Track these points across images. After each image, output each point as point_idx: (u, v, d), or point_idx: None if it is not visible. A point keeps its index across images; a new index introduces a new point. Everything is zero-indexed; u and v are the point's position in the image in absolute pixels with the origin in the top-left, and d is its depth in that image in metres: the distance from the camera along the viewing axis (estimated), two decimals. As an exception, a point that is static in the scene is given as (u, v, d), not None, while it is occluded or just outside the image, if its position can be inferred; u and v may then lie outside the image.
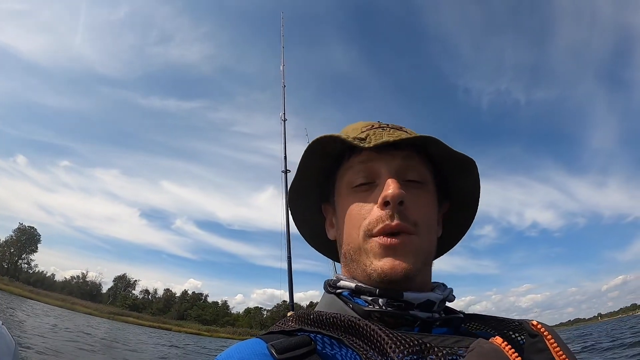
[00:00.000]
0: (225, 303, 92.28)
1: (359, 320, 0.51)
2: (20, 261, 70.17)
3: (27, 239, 71.46)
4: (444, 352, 0.46)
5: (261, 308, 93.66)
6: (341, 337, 0.51)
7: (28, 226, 73.39)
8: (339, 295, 0.63)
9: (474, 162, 0.67)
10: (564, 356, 0.46)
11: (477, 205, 0.74)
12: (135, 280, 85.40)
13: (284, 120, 4.79)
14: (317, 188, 0.74)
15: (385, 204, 0.58)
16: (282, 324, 0.59)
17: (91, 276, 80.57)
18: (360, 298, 0.60)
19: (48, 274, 77.14)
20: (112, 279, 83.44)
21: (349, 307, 0.60)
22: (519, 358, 0.45)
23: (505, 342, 0.47)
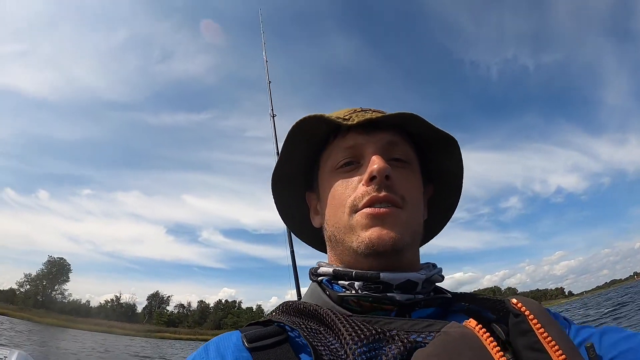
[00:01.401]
0: (259, 307, 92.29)
1: (321, 309, 0.51)
2: (53, 292, 70.99)
3: (57, 270, 72.21)
4: (406, 340, 0.44)
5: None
6: (303, 326, 0.50)
7: (57, 257, 74.24)
8: (320, 282, 0.62)
9: (456, 140, 0.65)
10: (549, 338, 0.42)
11: (461, 187, 0.72)
12: (169, 296, 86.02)
13: (273, 117, 4.52)
14: (300, 176, 0.72)
15: (372, 178, 0.57)
16: (267, 316, 0.58)
17: (125, 298, 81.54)
18: (338, 284, 0.59)
19: (83, 301, 78.19)
20: (146, 297, 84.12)
21: (326, 294, 0.58)
22: (493, 343, 0.42)
23: (480, 325, 0.44)
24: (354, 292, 0.55)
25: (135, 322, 72.54)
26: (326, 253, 0.69)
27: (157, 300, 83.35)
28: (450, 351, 0.41)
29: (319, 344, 0.46)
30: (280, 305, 0.60)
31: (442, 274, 0.63)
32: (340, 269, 0.58)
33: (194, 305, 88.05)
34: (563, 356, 0.40)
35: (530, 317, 0.45)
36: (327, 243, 0.66)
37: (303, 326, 0.50)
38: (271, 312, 0.60)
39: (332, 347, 0.46)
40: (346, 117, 0.62)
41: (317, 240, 0.77)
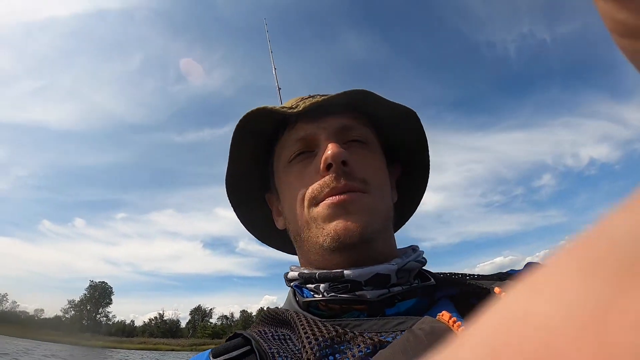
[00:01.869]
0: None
1: (287, 313, 0.49)
2: (98, 316, 71.69)
3: (100, 293, 72.91)
4: (373, 340, 0.40)
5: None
6: (270, 335, 0.48)
7: (98, 281, 74.91)
8: (293, 287, 0.57)
9: (415, 112, 0.61)
10: None
11: (428, 161, 0.67)
12: (211, 309, 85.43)
13: None
14: (255, 178, 0.67)
15: (328, 166, 0.53)
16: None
17: (168, 314, 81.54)
18: (307, 287, 0.54)
19: (127, 322, 78.93)
20: (189, 312, 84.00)
21: (296, 300, 0.55)
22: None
23: (454, 319, 0.40)
24: (319, 295, 0.51)
25: (180, 337, 72.31)
26: (295, 255, 0.65)
27: (199, 314, 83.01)
28: (411, 352, 0.37)
29: (280, 351, 0.43)
30: (258, 313, 0.55)
31: (424, 257, 0.57)
32: (305, 271, 0.54)
33: (237, 315, 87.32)
34: None
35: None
36: (294, 244, 0.61)
37: (268, 335, 0.47)
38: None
39: (297, 352, 0.43)
40: (293, 107, 0.57)
41: (285, 243, 0.71)
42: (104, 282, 75.44)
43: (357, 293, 0.49)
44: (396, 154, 0.66)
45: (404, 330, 0.43)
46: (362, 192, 0.53)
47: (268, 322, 0.52)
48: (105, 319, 72.83)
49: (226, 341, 0.50)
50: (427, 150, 0.66)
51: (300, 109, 0.55)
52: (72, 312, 70.14)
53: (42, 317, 72.27)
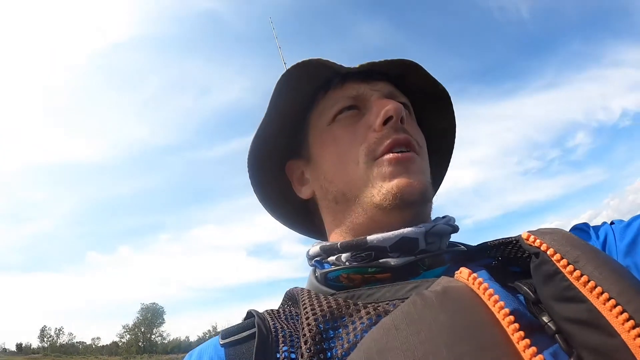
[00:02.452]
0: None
1: (295, 290, 0.47)
2: (153, 336, 71.94)
3: (152, 314, 73.16)
4: (377, 309, 0.37)
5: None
6: (278, 312, 0.46)
7: (149, 303, 75.18)
8: (314, 264, 0.54)
9: (449, 96, 0.61)
10: (584, 277, 0.29)
11: (453, 142, 0.66)
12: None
13: None
14: (282, 142, 0.61)
15: (387, 119, 0.50)
16: None
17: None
18: (327, 261, 0.51)
19: (182, 338, 78.93)
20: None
21: (315, 276, 0.51)
22: (490, 292, 0.30)
23: (475, 275, 0.33)
24: (340, 265, 0.48)
25: (236, 345, 71.24)
26: (303, 231, 0.64)
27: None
28: (417, 316, 0.30)
29: (291, 330, 0.41)
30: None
31: (456, 223, 0.53)
32: (326, 243, 0.51)
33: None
34: (612, 302, 0.26)
35: (550, 252, 0.32)
36: (326, 210, 0.57)
37: (281, 314, 0.45)
38: None
39: (298, 330, 0.41)
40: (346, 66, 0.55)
41: (297, 219, 0.68)
42: (154, 303, 75.50)
43: (380, 260, 0.46)
44: (424, 130, 0.60)
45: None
46: (418, 153, 0.51)
47: (285, 302, 0.51)
48: (160, 338, 73.02)
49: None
50: (454, 135, 0.65)
51: (357, 67, 0.53)
52: (128, 336, 70.61)
53: (99, 345, 73.48)
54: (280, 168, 0.63)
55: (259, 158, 0.60)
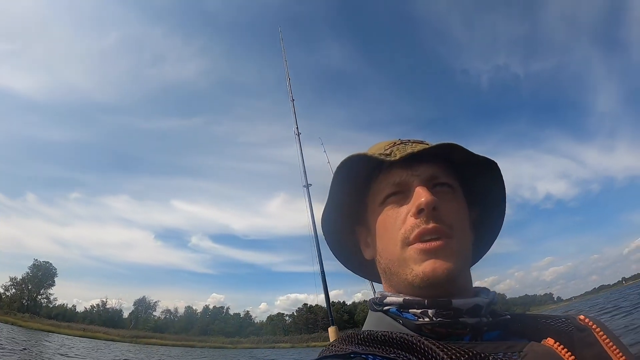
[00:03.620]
0: (247, 313, 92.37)
1: (411, 336, 0.51)
2: (39, 297, 70.72)
3: (43, 274, 71.93)
4: (499, 359, 0.46)
5: (283, 314, 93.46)
6: (394, 356, 0.50)
7: (43, 261, 73.76)
8: (386, 312, 0.62)
9: (495, 163, 0.67)
10: (614, 347, 0.47)
11: (505, 206, 0.73)
12: (156, 302, 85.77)
13: (298, 134, 4.61)
14: (348, 211, 0.74)
15: (420, 211, 0.59)
16: (331, 347, 0.58)
17: (111, 303, 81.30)
18: (409, 312, 0.59)
19: (69, 306, 78.08)
20: (133, 303, 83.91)
21: (399, 322, 0.59)
22: (572, 357, 0.45)
23: (557, 343, 0.48)
24: (427, 319, 0.56)
25: (121, 327, 71.88)
26: (370, 280, 0.73)
27: (143, 306, 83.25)
28: None
29: None
30: (344, 335, 0.59)
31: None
32: (410, 298, 0.59)
33: (181, 311, 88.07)
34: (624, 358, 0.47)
35: (596, 329, 0.50)
36: (381, 274, 0.69)
37: (397, 356, 0.50)
38: (334, 343, 0.59)
39: None
40: (387, 152, 0.64)
41: (365, 269, 0.79)
42: (48, 262, 74.45)
43: (460, 319, 0.55)
44: (475, 197, 0.71)
45: (515, 352, 0.49)
46: (448, 237, 0.59)
47: (371, 344, 0.54)
48: (46, 300, 71.96)
49: (333, 357, 0.53)
50: (505, 198, 0.72)
51: (397, 157, 0.62)
52: (13, 290, 68.81)
53: (-21, 292, 70.47)
54: (351, 231, 0.76)
55: (331, 222, 0.75)
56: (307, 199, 4.44)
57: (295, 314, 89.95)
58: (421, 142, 0.68)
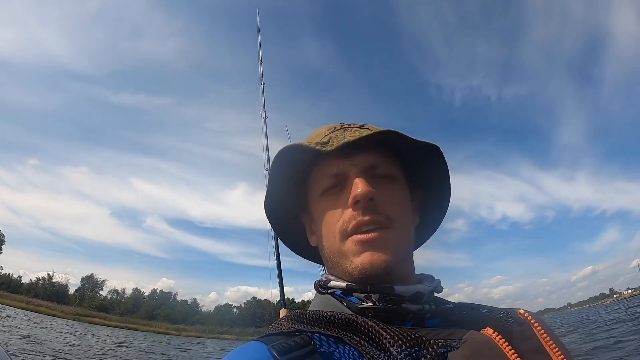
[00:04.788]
0: (195, 301, 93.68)
1: (356, 317, 0.53)
2: (-17, 263, 69.64)
3: (-10, 240, 70.95)
4: (439, 344, 0.47)
5: (231, 305, 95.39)
6: (340, 335, 0.52)
7: (-8, 227, 72.73)
8: (332, 294, 0.64)
9: (438, 147, 0.67)
10: (550, 341, 0.50)
11: (449, 190, 0.73)
12: (104, 281, 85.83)
13: (265, 118, 4.47)
14: (291, 198, 0.74)
15: (356, 203, 0.59)
16: (278, 325, 0.60)
17: (58, 277, 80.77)
18: (353, 296, 0.61)
19: (15, 276, 76.98)
20: (80, 279, 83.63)
21: (344, 305, 0.61)
22: (509, 347, 0.48)
23: (496, 333, 0.50)
24: (370, 304, 0.58)
25: (66, 303, 71.93)
26: (322, 264, 0.74)
27: (90, 284, 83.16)
28: (480, 354, 0.47)
29: (364, 352, 0.48)
30: (291, 314, 0.61)
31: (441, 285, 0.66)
32: (352, 284, 0.61)
33: (128, 292, 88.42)
34: (561, 356, 0.49)
35: (535, 324, 0.53)
36: (325, 262, 0.70)
37: (342, 335, 0.52)
38: (281, 321, 0.61)
39: (373, 354, 0.48)
40: (325, 141, 0.63)
41: (313, 255, 0.79)
42: (-4, 229, 73.33)
43: (402, 305, 0.57)
44: (419, 180, 0.72)
45: (455, 340, 0.51)
46: (386, 227, 0.60)
47: (316, 324, 0.56)
48: (-10, 268, 71.00)
49: (278, 334, 0.55)
50: (449, 183, 0.72)
51: (333, 147, 0.61)
52: (-45, 253, 67.67)
53: None
54: (295, 216, 0.76)
55: (273, 209, 0.76)
56: (266, 182, 4.04)
57: (243, 306, 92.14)
58: (362, 127, 0.66)
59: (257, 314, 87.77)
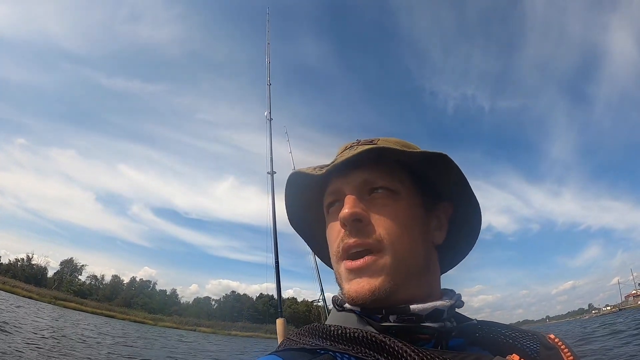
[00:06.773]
0: (174, 292, 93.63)
1: (385, 337, 0.50)
2: (-39, 241, 68.86)
3: (-30, 218, 70.10)
4: None
5: (210, 298, 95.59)
6: (365, 357, 0.49)
7: (-28, 206, 71.90)
8: (353, 312, 0.60)
9: (446, 155, 0.60)
10: None
11: (474, 200, 0.67)
12: (83, 265, 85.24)
13: (270, 120, 4.34)
14: (311, 217, 0.74)
15: (343, 225, 0.58)
16: (297, 339, 0.56)
17: (37, 259, 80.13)
18: (374, 315, 0.58)
19: (-8, 256, 75.95)
20: (60, 263, 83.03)
21: (365, 323, 0.57)
22: None
23: None
24: (391, 322, 0.55)
25: (44, 286, 71.38)
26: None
27: (70, 268, 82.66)
28: None
29: None
30: (309, 328, 0.57)
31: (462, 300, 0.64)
32: (367, 306, 0.58)
33: (108, 278, 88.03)
34: None
35: (564, 350, 0.53)
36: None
37: (369, 356, 0.49)
38: (295, 335, 0.58)
39: None
40: (322, 167, 0.63)
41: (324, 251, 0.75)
42: (-23, 207, 72.47)
43: (422, 324, 0.55)
44: (439, 192, 0.67)
45: None
46: (377, 251, 0.57)
47: (337, 341, 0.52)
48: (-32, 247, 70.11)
49: (300, 350, 0.53)
50: (470, 190, 0.65)
51: (323, 172, 0.61)
52: None
53: None
54: (318, 220, 0.72)
55: (300, 228, 0.77)
56: (269, 186, 4.30)
57: (222, 300, 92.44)
58: (370, 142, 0.63)
59: (235, 308, 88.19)
